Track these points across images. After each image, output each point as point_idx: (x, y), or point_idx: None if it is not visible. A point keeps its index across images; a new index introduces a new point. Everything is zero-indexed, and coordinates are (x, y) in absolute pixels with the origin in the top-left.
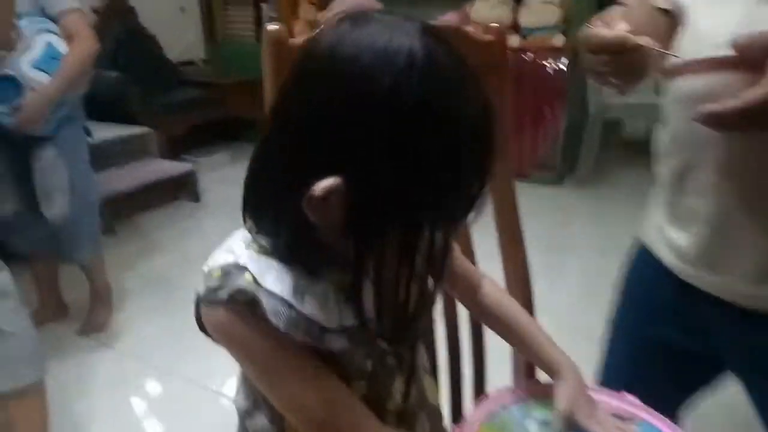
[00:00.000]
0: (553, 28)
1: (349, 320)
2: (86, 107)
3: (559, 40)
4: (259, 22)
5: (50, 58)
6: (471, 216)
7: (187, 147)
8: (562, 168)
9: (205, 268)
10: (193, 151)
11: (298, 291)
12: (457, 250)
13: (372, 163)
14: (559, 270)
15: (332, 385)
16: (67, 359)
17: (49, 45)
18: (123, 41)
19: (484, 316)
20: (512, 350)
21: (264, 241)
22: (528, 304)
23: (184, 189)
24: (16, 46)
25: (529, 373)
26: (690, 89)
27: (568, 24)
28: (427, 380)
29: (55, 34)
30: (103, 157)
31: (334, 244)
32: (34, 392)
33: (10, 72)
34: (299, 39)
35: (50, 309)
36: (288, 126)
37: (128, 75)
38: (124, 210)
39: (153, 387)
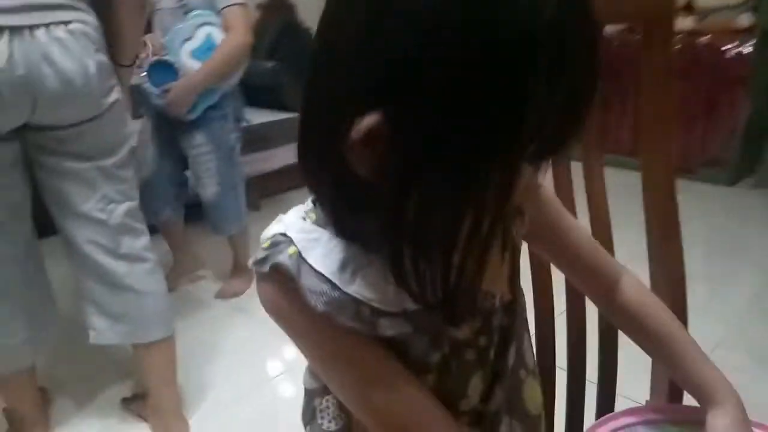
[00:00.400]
0: (738, 7)
1: (413, 304)
2: (245, 94)
3: (744, 20)
4: None
5: (208, 48)
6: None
7: None
8: (740, 166)
9: (262, 235)
10: None
11: (348, 268)
12: (586, 234)
13: (423, 93)
14: (723, 278)
15: (394, 376)
16: (202, 319)
17: (209, 36)
18: (281, 34)
19: (620, 319)
20: (653, 363)
21: (322, 210)
22: (681, 315)
23: None
24: (143, 63)
25: (674, 395)
26: None
27: (761, 1)
28: (528, 383)
29: (218, 27)
30: (260, 139)
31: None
32: (164, 346)
33: (170, 59)
34: None
35: (183, 272)
36: (335, 49)
37: (284, 65)
38: (271, 188)
39: (284, 350)
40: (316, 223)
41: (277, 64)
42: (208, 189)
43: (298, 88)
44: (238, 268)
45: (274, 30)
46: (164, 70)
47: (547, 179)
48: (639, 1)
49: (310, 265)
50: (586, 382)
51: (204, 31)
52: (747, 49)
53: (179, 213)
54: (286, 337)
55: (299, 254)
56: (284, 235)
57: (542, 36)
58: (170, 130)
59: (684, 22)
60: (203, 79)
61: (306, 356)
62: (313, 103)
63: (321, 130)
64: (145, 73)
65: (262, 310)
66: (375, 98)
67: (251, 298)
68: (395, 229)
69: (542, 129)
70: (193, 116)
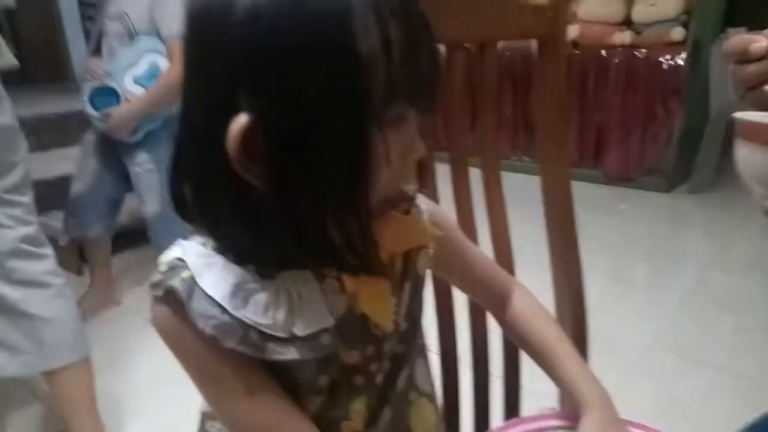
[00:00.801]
0: (672, 21)
1: (302, 329)
2: None
3: (678, 33)
4: None
5: (151, 75)
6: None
7: None
8: (676, 173)
9: (159, 261)
10: None
11: (239, 293)
12: (480, 253)
13: (277, 91)
14: (660, 281)
15: (269, 401)
16: (128, 344)
17: (154, 64)
18: None
19: (509, 333)
20: None
21: (215, 236)
22: (580, 322)
23: None
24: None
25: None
26: None
27: (691, 16)
28: (419, 404)
29: (162, 55)
30: None
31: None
32: (78, 371)
33: (113, 84)
34: None
35: (102, 292)
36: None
37: None
38: None
39: None
40: (215, 249)
41: None
42: (151, 207)
43: None
44: None
45: None
46: (107, 94)
47: (450, 208)
48: (533, 20)
49: (203, 289)
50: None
51: (148, 58)
52: (680, 61)
53: (109, 232)
54: None
55: (192, 278)
56: (181, 259)
57: (358, 10)
58: (114, 147)
59: (622, 37)
60: (144, 106)
61: (192, 378)
62: (185, 137)
63: (199, 155)
64: (86, 97)
65: None
66: (233, 103)
67: None
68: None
69: (387, 87)
70: (134, 139)
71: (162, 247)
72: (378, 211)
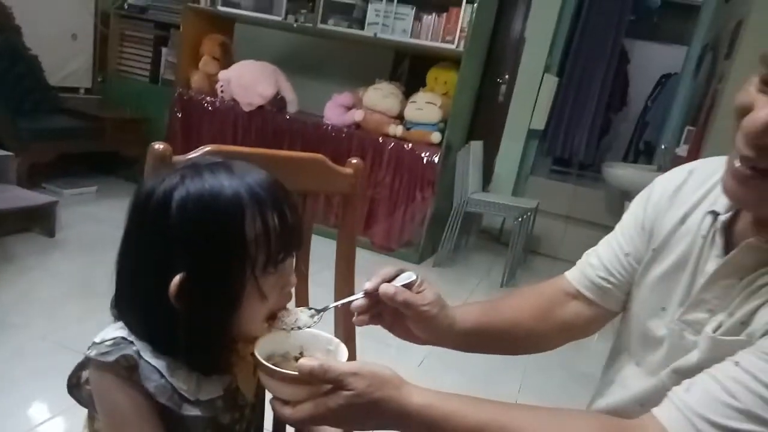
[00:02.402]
0: (433, 126)
1: (204, 395)
2: None
3: (436, 137)
4: (156, 64)
5: None
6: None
7: (53, 176)
8: (425, 248)
9: (98, 339)
10: (59, 181)
11: (169, 367)
12: None
13: (196, 263)
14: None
15: None
16: None
17: None
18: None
19: None
20: None
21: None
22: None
23: (38, 221)
24: None
25: None
26: None
27: (446, 125)
28: None
29: None
30: None
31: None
32: None
33: None
34: (180, 157)
35: None
36: (138, 247)
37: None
38: None
39: (50, 393)
40: (140, 338)
41: None
42: None
43: (11, 120)
44: None
45: None
46: None
47: None
48: (340, 185)
49: (147, 360)
50: None
51: None
52: (436, 159)
53: None
54: (53, 379)
55: (138, 352)
56: (125, 338)
57: (248, 207)
58: None
59: (395, 129)
60: None
61: (106, 425)
62: (130, 283)
63: (143, 293)
64: None
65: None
66: (171, 262)
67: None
68: (194, 329)
69: (264, 251)
70: None
71: None
72: (258, 328)
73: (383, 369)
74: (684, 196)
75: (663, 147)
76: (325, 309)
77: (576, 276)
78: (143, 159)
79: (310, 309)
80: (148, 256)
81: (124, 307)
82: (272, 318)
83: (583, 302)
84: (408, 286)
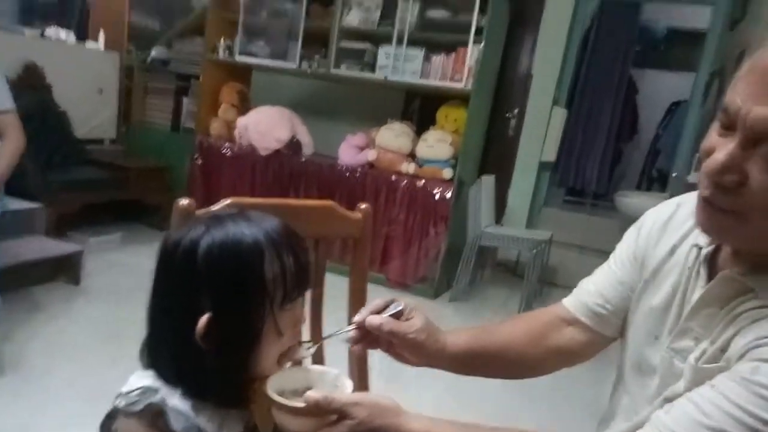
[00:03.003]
0: (444, 162)
1: None
2: None
3: (448, 173)
4: (177, 113)
5: None
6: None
7: (78, 224)
8: (441, 283)
9: (125, 389)
10: (84, 229)
11: (194, 408)
12: None
13: (221, 303)
14: (425, 372)
15: None
16: None
17: None
18: (31, 115)
19: None
20: None
21: (177, 383)
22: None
23: (64, 270)
24: None
25: None
26: None
27: (457, 161)
28: None
29: None
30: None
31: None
32: None
33: None
34: (202, 211)
35: None
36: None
37: (29, 148)
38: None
39: None
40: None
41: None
42: None
43: (42, 173)
44: None
45: (23, 109)
46: None
47: None
48: (350, 229)
49: (172, 406)
50: None
51: None
52: (448, 194)
53: None
54: (80, 427)
55: (163, 399)
56: (150, 387)
57: (267, 250)
58: None
59: (408, 167)
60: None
61: None
62: (160, 326)
63: (172, 335)
64: None
65: None
66: (198, 304)
67: None
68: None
69: (281, 289)
70: None
71: None
72: (273, 364)
73: (383, 398)
74: (672, 229)
75: (674, 175)
76: (320, 341)
77: (573, 302)
78: (166, 206)
79: (307, 342)
80: (176, 300)
81: (154, 351)
82: (283, 356)
83: (579, 328)
84: (397, 315)
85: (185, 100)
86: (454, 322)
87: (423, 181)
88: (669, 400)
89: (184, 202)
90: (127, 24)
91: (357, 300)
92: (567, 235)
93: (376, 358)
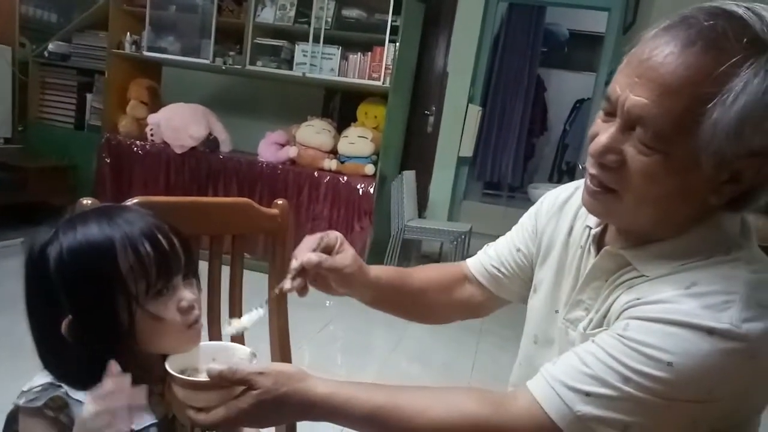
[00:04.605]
0: (366, 158)
1: (138, 425)
2: None
3: (370, 169)
4: (81, 110)
5: None
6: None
7: None
8: None
9: (26, 387)
10: None
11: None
12: None
13: (80, 304)
14: (356, 363)
15: None
16: None
17: None
18: None
19: None
20: None
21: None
22: None
23: None
24: None
25: None
26: None
27: (378, 157)
28: None
29: None
30: None
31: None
32: None
33: None
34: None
35: None
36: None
37: None
38: None
39: None
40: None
41: None
42: None
43: None
44: None
45: None
46: None
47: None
48: (268, 225)
49: (76, 399)
50: None
51: None
52: (371, 189)
53: None
54: None
55: (67, 393)
56: (51, 383)
57: (118, 245)
58: None
59: (330, 163)
60: None
61: None
62: (36, 329)
63: (48, 339)
64: None
65: None
66: (59, 305)
67: None
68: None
69: (143, 281)
70: None
71: None
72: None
73: (288, 366)
74: (569, 209)
75: (581, 167)
76: (264, 304)
77: (473, 263)
78: (68, 206)
79: (256, 309)
80: (40, 304)
81: (38, 352)
82: (182, 334)
83: (477, 287)
84: (327, 249)
85: (89, 97)
86: (381, 316)
87: (345, 177)
88: None
89: (87, 201)
90: (18, 16)
91: (278, 297)
92: (486, 226)
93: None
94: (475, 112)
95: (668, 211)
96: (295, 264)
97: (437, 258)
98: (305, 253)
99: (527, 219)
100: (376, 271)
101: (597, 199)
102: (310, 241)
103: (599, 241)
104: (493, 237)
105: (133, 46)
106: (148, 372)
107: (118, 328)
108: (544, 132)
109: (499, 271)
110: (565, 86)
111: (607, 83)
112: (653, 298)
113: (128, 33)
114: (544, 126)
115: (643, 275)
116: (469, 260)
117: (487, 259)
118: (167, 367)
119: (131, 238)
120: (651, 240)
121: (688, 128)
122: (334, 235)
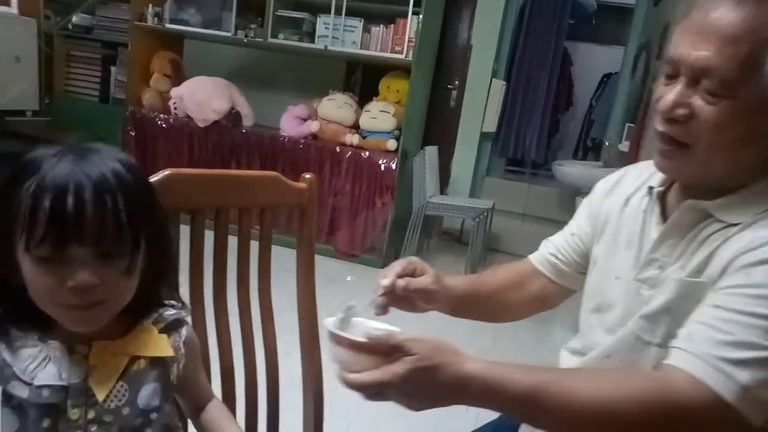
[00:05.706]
0: (388, 133)
1: (38, 381)
2: None
3: (392, 144)
4: (106, 83)
5: None
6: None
7: None
8: (388, 253)
9: None
10: None
11: (10, 347)
12: (200, 364)
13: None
14: None
15: None
16: None
17: None
18: None
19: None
20: None
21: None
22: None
23: None
24: None
25: None
26: None
27: (400, 132)
28: None
29: None
30: None
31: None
32: None
33: None
34: None
35: None
36: None
37: None
38: None
39: None
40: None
41: None
42: None
43: None
44: None
45: None
46: None
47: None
48: (295, 199)
49: None
50: None
51: None
52: (393, 165)
53: None
54: None
55: None
56: None
57: (31, 180)
58: None
59: (351, 138)
60: None
61: None
62: None
63: None
64: None
65: None
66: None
67: None
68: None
69: (27, 230)
70: None
71: None
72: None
73: (440, 339)
74: (624, 186)
75: (607, 144)
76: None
77: (534, 256)
78: None
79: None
80: None
81: None
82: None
83: (541, 278)
84: (408, 273)
85: (113, 70)
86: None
87: (367, 152)
88: (647, 317)
89: None
90: None
91: (305, 272)
92: (508, 203)
93: None
94: (499, 86)
95: (741, 157)
96: (384, 282)
97: (458, 235)
98: (392, 277)
99: (582, 206)
100: (452, 281)
101: (669, 158)
102: (396, 266)
103: (661, 203)
104: (516, 214)
105: (156, 18)
106: (63, 331)
107: (5, 263)
108: (569, 107)
109: (557, 258)
110: (593, 60)
111: (636, 57)
112: (765, 241)
113: (150, 5)
114: (570, 101)
115: (733, 224)
116: (531, 255)
117: (546, 250)
118: (327, 324)
119: (47, 184)
120: (726, 190)
121: (751, 71)
122: (415, 260)
